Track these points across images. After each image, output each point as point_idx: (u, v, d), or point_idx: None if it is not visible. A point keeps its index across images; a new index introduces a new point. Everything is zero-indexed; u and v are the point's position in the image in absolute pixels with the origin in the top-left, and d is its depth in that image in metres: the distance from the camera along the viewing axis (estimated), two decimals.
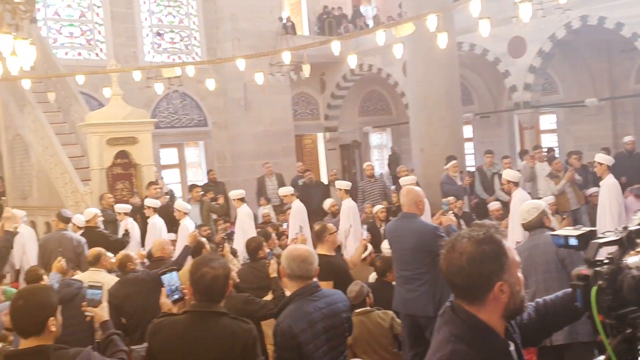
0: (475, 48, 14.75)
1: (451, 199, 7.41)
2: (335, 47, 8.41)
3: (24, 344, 2.77)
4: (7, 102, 12.11)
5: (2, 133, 12.56)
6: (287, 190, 9.61)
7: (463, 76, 14.84)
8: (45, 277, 5.91)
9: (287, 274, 3.42)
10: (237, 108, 16.14)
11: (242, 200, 9.38)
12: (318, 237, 5.76)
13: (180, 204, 9.04)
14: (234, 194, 9.59)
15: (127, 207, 9.16)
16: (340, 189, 9.34)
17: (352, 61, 9.02)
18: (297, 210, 9.10)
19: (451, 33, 9.15)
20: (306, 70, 9.89)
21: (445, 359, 1.78)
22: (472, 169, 13.74)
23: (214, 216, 10.85)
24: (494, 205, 9.29)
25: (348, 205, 9.06)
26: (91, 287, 3.46)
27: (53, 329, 2.78)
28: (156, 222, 8.89)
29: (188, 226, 8.75)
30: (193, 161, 17.02)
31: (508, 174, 7.78)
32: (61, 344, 2.83)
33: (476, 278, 1.77)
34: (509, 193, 7.82)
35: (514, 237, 7.19)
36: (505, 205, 9.57)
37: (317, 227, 6.27)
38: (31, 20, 6.07)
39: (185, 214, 8.78)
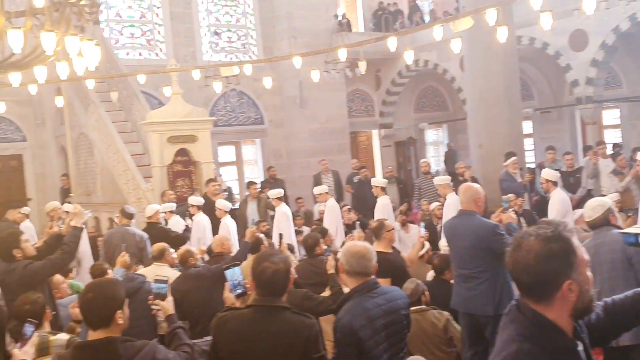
0: (534, 42, 14.40)
1: (511, 196, 7.25)
2: (392, 43, 8.36)
3: (93, 335, 2.84)
4: (72, 102, 12.54)
5: (67, 131, 13.02)
6: (322, 189, 9.66)
7: (522, 70, 14.50)
8: (109, 271, 6.11)
9: (345, 270, 3.43)
10: (292, 106, 16.25)
11: (280, 199, 9.47)
12: (375, 234, 5.74)
13: (221, 203, 9.21)
14: (272, 193, 9.67)
15: (173, 206, 9.32)
16: (377, 186, 9.34)
17: (408, 57, 8.94)
18: (332, 209, 9.13)
19: (510, 27, 8.97)
20: (362, 66, 9.87)
21: (510, 358, 1.75)
22: (532, 166, 13.43)
23: (271, 212, 10.94)
24: None
25: (382, 203, 9.05)
26: (157, 281, 3.54)
27: (120, 321, 2.84)
28: (200, 220, 9.04)
29: (229, 224, 8.91)
30: (250, 158, 17.23)
31: (547, 173, 7.70)
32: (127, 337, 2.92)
33: (543, 276, 1.74)
34: (547, 192, 7.70)
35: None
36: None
37: (374, 224, 6.26)
38: (94, 21, 6.23)
39: (226, 212, 8.96)
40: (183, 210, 9.63)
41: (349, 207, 10.82)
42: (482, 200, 5.06)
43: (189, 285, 5.74)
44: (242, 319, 3.03)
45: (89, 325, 2.90)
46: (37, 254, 5.26)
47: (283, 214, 9.26)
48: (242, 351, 2.98)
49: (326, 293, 5.00)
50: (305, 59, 9.36)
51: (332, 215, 9.22)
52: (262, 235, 7.11)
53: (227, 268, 3.40)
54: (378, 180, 9.53)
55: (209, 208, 9.77)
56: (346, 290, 4.99)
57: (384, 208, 8.92)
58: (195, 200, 9.28)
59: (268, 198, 10.91)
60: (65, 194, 12.98)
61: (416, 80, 18.75)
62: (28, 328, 3.54)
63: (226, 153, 16.69)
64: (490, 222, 4.98)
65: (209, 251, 7.24)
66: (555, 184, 7.58)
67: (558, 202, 7.40)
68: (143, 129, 11.82)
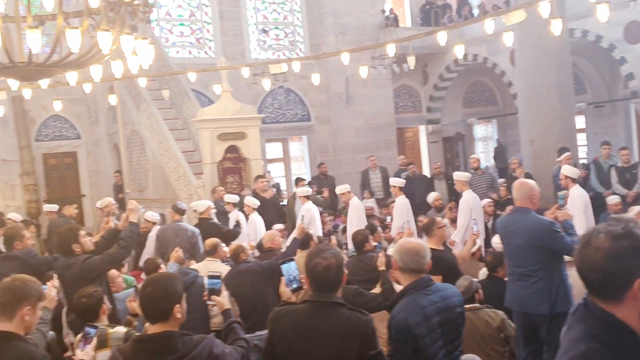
0: (588, 34, 14.02)
1: (566, 192, 7.09)
2: (442, 37, 8.25)
3: (152, 329, 2.89)
4: (124, 100, 12.82)
5: (120, 129, 13.32)
6: (398, 181, 9.55)
7: (575, 64, 14.11)
8: (162, 266, 6.24)
9: (399, 267, 3.40)
10: (339, 102, 16.26)
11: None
12: (426, 231, 5.69)
13: (249, 200, 9.28)
14: (300, 191, 9.68)
15: (235, 198, 9.45)
16: (395, 186, 9.32)
17: (459, 51, 8.82)
18: (402, 206, 9.05)
19: (564, 19, 8.74)
20: (411, 61, 9.78)
21: (579, 357, 1.71)
22: (586, 161, 13.10)
23: (320, 209, 10.97)
24: (612, 200, 8.80)
25: (401, 202, 9.00)
26: (211, 276, 3.59)
27: (178, 315, 2.89)
28: (255, 217, 9.13)
29: (257, 221, 8.97)
30: (296, 155, 17.32)
31: (566, 170, 7.72)
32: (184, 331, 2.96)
33: (613, 275, 1.69)
34: (566, 188, 7.66)
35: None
36: (624, 200, 9.07)
37: (425, 220, 6.22)
38: (146, 21, 6.34)
39: (254, 209, 9.04)
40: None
41: None
42: (537, 197, 4.95)
43: (240, 280, 5.81)
44: (298, 314, 3.04)
45: (148, 319, 2.95)
46: (95, 248, 5.39)
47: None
48: (298, 347, 2.98)
49: (376, 289, 4.99)
50: (351, 55, 9.33)
51: (356, 213, 9.22)
52: (311, 231, 7.15)
53: (283, 263, 3.43)
54: (396, 180, 9.56)
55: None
56: (397, 287, 4.99)
57: (402, 208, 8.96)
58: (231, 198, 9.38)
59: (316, 195, 10.97)
60: (118, 190, 13.30)
61: (464, 75, 18.49)
62: (90, 330, 3.63)
63: (273, 150, 16.81)
64: (546, 219, 4.87)
65: (259, 247, 7.32)
66: (574, 180, 7.63)
67: (576, 198, 7.44)
68: (194, 127, 12.01)
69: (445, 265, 5.13)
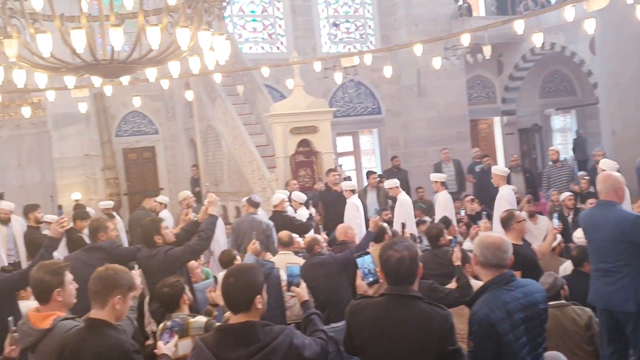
0: None
1: None
2: (519, 26, 8.03)
3: (234, 319, 2.95)
4: (200, 96, 13.14)
5: (196, 124, 13.68)
6: (393, 182, 9.51)
7: None
8: (238, 258, 6.37)
9: (479, 262, 3.34)
10: (410, 94, 16.08)
11: (398, 188, 9.35)
12: (504, 225, 5.56)
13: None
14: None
15: (303, 197, 9.49)
16: (436, 182, 9.17)
17: (537, 40, 8.56)
18: (445, 201, 8.93)
19: None
20: (487, 51, 9.58)
21: None
22: None
23: (391, 202, 10.92)
24: None
25: (444, 197, 8.90)
26: (290, 267, 3.63)
27: (259, 306, 2.94)
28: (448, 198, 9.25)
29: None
30: (367, 148, 17.27)
31: (605, 164, 7.63)
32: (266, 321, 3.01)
33: None
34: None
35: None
36: None
37: (503, 214, 6.07)
38: (220, 17, 6.46)
39: (301, 204, 9.09)
40: (311, 195, 9.86)
41: (472, 197, 10.56)
42: (622, 190, 4.76)
43: (315, 272, 5.86)
44: (375, 307, 3.03)
45: (230, 308, 3.01)
46: (176, 240, 5.55)
47: (402, 203, 9.19)
48: (375, 340, 2.98)
49: (452, 285, 4.92)
50: (424, 47, 9.21)
51: (401, 209, 9.13)
52: (385, 225, 7.11)
53: (359, 256, 3.42)
54: (438, 175, 9.57)
55: (330, 197, 9.93)
56: (474, 282, 4.90)
57: (445, 203, 8.92)
58: (298, 196, 9.43)
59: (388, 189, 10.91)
60: (195, 184, 13.67)
61: (541, 64, 17.90)
62: (174, 324, 3.74)
63: (344, 143, 16.84)
64: (632, 213, 4.68)
65: (332, 240, 7.36)
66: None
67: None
68: (267, 121, 12.18)
69: (525, 260, 4.98)
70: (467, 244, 6.81)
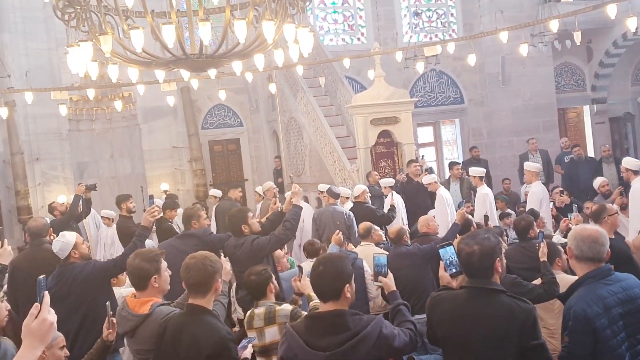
0: None
1: None
2: (612, 10, 7.70)
3: (323, 307, 3.00)
4: (282, 88, 13.32)
5: (279, 116, 13.88)
6: (431, 178, 9.24)
7: None
8: (325, 248, 6.43)
9: (574, 255, 3.24)
10: (494, 83, 15.70)
11: (481, 179, 9.07)
12: (596, 218, 5.36)
13: (430, 177, 9.22)
14: (473, 171, 9.31)
15: (391, 181, 9.47)
16: (475, 177, 8.90)
17: (631, 24, 8.16)
18: (484, 196, 8.68)
19: None
20: (577, 37, 9.20)
21: None
22: None
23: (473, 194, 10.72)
24: None
25: (484, 193, 8.65)
26: (378, 258, 3.63)
27: (348, 295, 2.97)
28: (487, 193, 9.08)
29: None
30: (448, 139, 16.99)
31: (627, 162, 7.67)
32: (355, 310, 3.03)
33: None
34: (627, 181, 7.63)
35: (634, 227, 6.96)
36: None
37: (594, 207, 5.85)
38: (302, 10, 6.53)
39: (391, 187, 9.11)
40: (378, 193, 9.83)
41: (560, 188, 10.19)
42: None
43: (400, 262, 5.83)
44: (456, 299, 3.03)
45: (319, 297, 3.06)
46: (261, 229, 5.67)
47: (484, 195, 8.97)
48: (456, 332, 2.98)
49: (538, 281, 4.78)
50: (509, 34, 8.98)
51: (440, 205, 8.99)
52: (470, 217, 7.00)
53: (442, 247, 3.40)
54: (477, 169, 9.24)
55: (411, 188, 9.85)
56: (563, 277, 4.75)
57: (485, 198, 8.65)
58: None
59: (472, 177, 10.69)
60: (278, 175, 13.89)
61: (634, 50, 16.97)
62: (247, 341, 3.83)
63: (424, 134, 16.62)
64: None
65: (414, 231, 7.29)
66: (635, 172, 7.46)
67: (637, 190, 7.34)
68: (348, 112, 12.19)
69: (618, 254, 4.75)
70: (557, 238, 6.59)
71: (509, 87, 15.60)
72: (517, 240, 6.13)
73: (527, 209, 8.08)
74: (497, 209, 9.34)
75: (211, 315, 3.30)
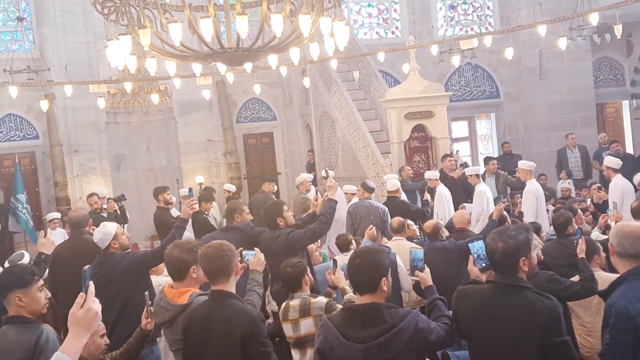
0: None
1: None
2: None
3: (359, 300, 3.01)
4: (316, 82, 13.33)
5: (312, 110, 13.89)
6: (528, 164, 8.90)
7: None
8: (353, 241, 6.43)
9: (616, 252, 3.18)
10: (531, 77, 15.48)
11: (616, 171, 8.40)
12: (636, 215, 5.27)
13: (430, 174, 9.14)
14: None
15: (436, 174, 9.39)
16: (471, 175, 8.92)
17: None
18: (531, 192, 8.46)
19: None
20: (617, 31, 9.01)
21: None
22: None
23: (509, 190, 10.59)
24: None
25: (481, 190, 8.62)
26: (414, 252, 3.62)
27: (385, 288, 2.97)
28: (441, 192, 9.06)
29: (485, 192, 8.83)
30: (483, 134, 16.81)
31: (608, 161, 7.93)
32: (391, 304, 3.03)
33: None
34: (608, 179, 7.91)
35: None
36: None
37: (634, 204, 5.76)
38: (338, 3, 6.52)
39: (436, 180, 9.01)
40: (420, 186, 9.76)
41: (598, 185, 10.01)
42: None
43: (435, 258, 5.79)
44: (481, 294, 3.05)
45: (356, 290, 3.07)
46: (296, 223, 5.69)
47: (530, 192, 8.83)
48: (479, 326, 2.99)
49: (576, 278, 4.72)
50: (547, 27, 8.83)
51: (440, 202, 8.96)
52: (506, 213, 6.93)
53: (471, 241, 3.43)
54: (473, 168, 9.25)
55: (445, 183, 9.76)
56: (603, 275, 4.67)
57: (482, 195, 8.60)
58: (432, 174, 9.30)
59: (508, 174, 10.57)
60: (311, 169, 13.92)
61: None
62: None
63: (459, 128, 16.47)
64: None
65: (449, 226, 7.25)
66: (615, 170, 7.75)
67: (613, 188, 7.68)
68: (381, 106, 12.15)
69: None
70: (595, 234, 6.49)
71: (546, 81, 15.36)
72: (555, 237, 6.06)
73: (522, 207, 8.10)
74: None
75: (237, 299, 3.37)
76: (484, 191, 8.77)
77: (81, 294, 2.21)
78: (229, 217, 6.00)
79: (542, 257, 5.18)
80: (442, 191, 9.04)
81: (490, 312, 2.94)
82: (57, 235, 9.39)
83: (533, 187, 8.25)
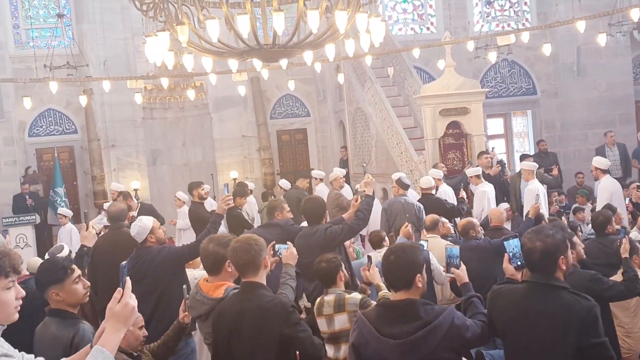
0: None
1: None
2: None
3: (395, 296, 3.01)
4: (350, 79, 13.32)
5: (345, 106, 13.89)
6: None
7: None
8: (386, 238, 6.41)
9: None
10: (569, 74, 15.23)
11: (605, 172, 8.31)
12: None
13: (472, 170, 9.03)
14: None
15: (478, 170, 9.28)
16: (472, 176, 8.96)
17: None
18: (481, 194, 8.48)
19: None
20: None
21: None
22: None
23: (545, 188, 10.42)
24: None
25: (482, 190, 8.62)
26: (450, 249, 3.61)
27: (420, 285, 2.97)
28: (482, 191, 8.93)
29: (488, 191, 8.81)
30: (519, 131, 16.59)
31: (596, 161, 8.06)
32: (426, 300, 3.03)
33: None
34: (596, 179, 8.09)
35: None
36: None
37: None
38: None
39: (477, 177, 8.93)
40: (454, 183, 9.68)
41: (637, 184, 9.79)
42: None
43: (468, 256, 5.74)
44: (515, 293, 3.02)
45: (391, 286, 3.07)
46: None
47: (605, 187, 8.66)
48: (514, 327, 2.97)
49: (617, 277, 4.64)
50: (585, 23, 8.67)
51: (480, 200, 8.78)
52: (542, 211, 6.84)
53: (506, 239, 3.39)
54: (473, 170, 9.18)
55: None
56: None
57: (482, 195, 8.54)
58: (475, 171, 9.20)
59: (544, 172, 10.42)
60: (344, 165, 13.92)
61: None
62: None
63: (494, 125, 16.29)
64: None
65: (485, 224, 7.18)
66: (604, 171, 7.92)
67: (602, 189, 7.86)
68: (415, 103, 12.07)
69: None
70: (634, 234, 6.36)
71: (584, 78, 15.09)
72: (592, 236, 5.96)
73: (524, 207, 8.12)
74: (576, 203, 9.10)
75: (266, 289, 3.42)
76: (486, 191, 8.70)
77: (119, 289, 2.28)
78: (270, 214, 6.04)
79: (584, 256, 5.08)
80: (486, 190, 8.91)
81: (525, 312, 2.92)
82: (65, 232, 9.61)
83: (533, 187, 8.21)
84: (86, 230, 5.09)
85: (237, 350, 3.33)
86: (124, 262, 2.48)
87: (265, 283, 3.44)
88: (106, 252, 5.47)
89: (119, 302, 2.25)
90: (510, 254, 3.31)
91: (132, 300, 2.28)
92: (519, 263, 3.26)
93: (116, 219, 5.90)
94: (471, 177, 9.06)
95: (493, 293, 3.13)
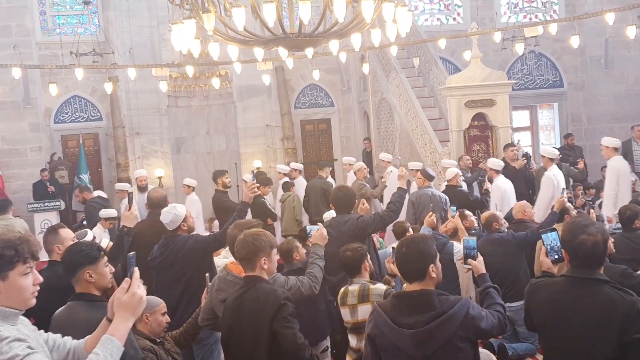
0: None
1: None
2: None
3: (409, 287, 3.03)
4: (375, 69, 13.25)
5: (370, 97, 13.84)
6: (547, 152, 8.60)
7: None
8: (410, 229, 6.39)
9: None
10: (596, 66, 15.04)
11: (616, 150, 8.40)
12: None
13: (492, 162, 8.93)
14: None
15: (501, 164, 9.18)
16: (491, 169, 8.77)
17: None
18: (550, 179, 8.20)
19: None
20: None
21: None
22: None
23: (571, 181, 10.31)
24: None
25: (496, 185, 8.52)
26: (467, 240, 3.59)
27: (434, 275, 2.97)
28: (500, 184, 8.81)
29: (502, 186, 8.64)
30: (545, 124, 16.41)
31: (605, 140, 8.13)
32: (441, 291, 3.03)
33: None
34: (608, 158, 8.08)
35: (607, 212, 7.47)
36: None
37: None
38: None
39: (497, 171, 8.84)
40: (471, 180, 9.62)
41: None
42: None
43: (491, 249, 5.71)
44: (555, 288, 2.96)
45: (405, 278, 3.10)
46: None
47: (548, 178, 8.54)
48: (554, 321, 2.92)
49: None
50: (614, 15, 8.51)
51: (494, 195, 8.56)
52: (569, 204, 6.74)
53: (545, 232, 3.33)
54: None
55: (507, 174, 9.57)
56: None
57: (497, 190, 8.40)
58: (495, 163, 9.10)
59: (570, 166, 10.30)
60: (367, 157, 13.89)
61: None
62: None
63: (520, 118, 16.13)
64: None
65: (508, 217, 7.11)
66: (615, 149, 7.99)
67: (609, 170, 7.96)
68: (442, 94, 11.98)
69: None
70: None
71: (612, 71, 14.90)
72: (618, 231, 5.88)
73: (539, 194, 8.23)
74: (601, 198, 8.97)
75: (265, 282, 3.53)
76: (500, 186, 8.61)
77: (126, 279, 2.31)
78: (288, 257, 5.54)
79: (614, 250, 5.01)
80: (500, 184, 8.80)
81: (566, 306, 2.87)
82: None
83: (551, 174, 8.08)
84: (128, 210, 5.11)
85: (236, 347, 3.50)
86: (131, 253, 2.50)
87: (265, 277, 3.55)
88: (148, 236, 5.39)
89: (127, 291, 2.29)
90: (548, 247, 3.26)
91: (140, 290, 2.32)
92: (556, 257, 3.21)
93: (157, 205, 5.88)
94: (491, 169, 8.93)
95: (531, 287, 3.09)
